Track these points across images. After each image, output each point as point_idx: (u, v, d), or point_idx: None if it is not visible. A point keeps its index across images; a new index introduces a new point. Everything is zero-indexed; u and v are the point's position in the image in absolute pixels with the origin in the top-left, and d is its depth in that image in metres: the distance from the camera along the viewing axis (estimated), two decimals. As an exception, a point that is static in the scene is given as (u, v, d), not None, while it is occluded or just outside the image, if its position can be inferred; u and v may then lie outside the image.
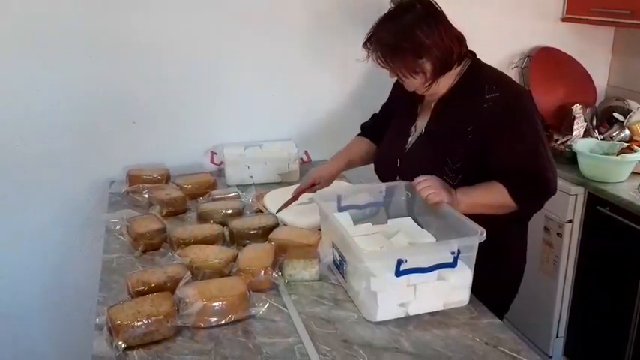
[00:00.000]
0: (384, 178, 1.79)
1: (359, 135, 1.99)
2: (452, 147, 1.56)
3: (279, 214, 1.82)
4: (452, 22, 1.56)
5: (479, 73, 1.59)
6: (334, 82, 2.47)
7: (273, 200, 1.95)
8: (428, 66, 1.52)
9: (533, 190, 1.54)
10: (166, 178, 2.14)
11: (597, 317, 2.36)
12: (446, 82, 1.59)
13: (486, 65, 1.63)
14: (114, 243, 1.72)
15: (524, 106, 1.55)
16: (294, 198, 1.84)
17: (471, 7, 2.54)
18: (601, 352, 2.37)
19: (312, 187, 1.82)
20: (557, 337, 2.53)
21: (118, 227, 1.77)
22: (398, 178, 1.70)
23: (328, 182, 1.84)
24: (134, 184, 2.09)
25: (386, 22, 1.55)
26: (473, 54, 1.63)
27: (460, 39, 1.56)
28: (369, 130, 1.97)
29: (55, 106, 2.16)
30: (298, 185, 1.86)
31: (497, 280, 1.44)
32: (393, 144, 1.75)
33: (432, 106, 1.65)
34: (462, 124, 1.55)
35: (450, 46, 1.52)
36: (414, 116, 1.72)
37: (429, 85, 1.56)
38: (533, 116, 1.56)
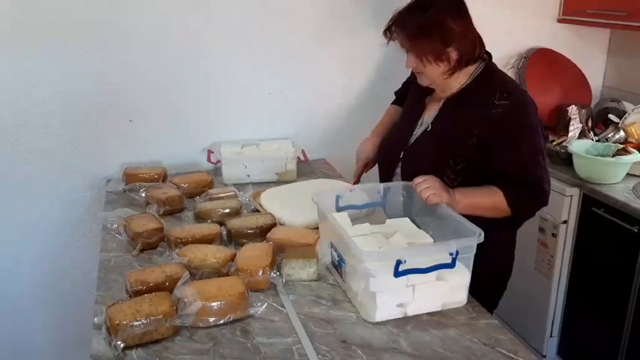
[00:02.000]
0: (384, 166, 1.81)
1: (392, 103, 2.03)
2: (456, 148, 1.58)
3: (276, 211, 1.82)
4: None
5: (492, 77, 1.61)
6: (331, 80, 2.47)
7: (269, 199, 1.95)
8: (454, 55, 1.54)
9: (529, 199, 1.57)
10: (163, 177, 2.13)
11: (591, 317, 2.38)
12: (459, 80, 1.60)
13: (499, 70, 1.65)
14: (111, 242, 1.71)
15: (531, 118, 1.56)
16: (356, 182, 1.92)
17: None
18: (595, 352, 2.39)
19: (365, 167, 1.91)
20: (551, 336, 2.55)
21: (115, 226, 1.76)
22: (399, 169, 1.72)
23: (376, 159, 1.91)
24: (131, 182, 2.08)
25: (415, 8, 1.55)
26: (489, 56, 1.65)
27: (480, 37, 1.59)
28: (400, 97, 1.99)
29: (51, 102, 2.14)
30: (355, 170, 1.94)
31: (487, 278, 1.45)
32: (398, 134, 1.77)
33: (442, 103, 1.66)
34: (468, 126, 1.56)
35: (475, 40, 1.56)
36: (421, 108, 1.73)
37: (450, 74, 1.57)
38: (538, 127, 1.58)
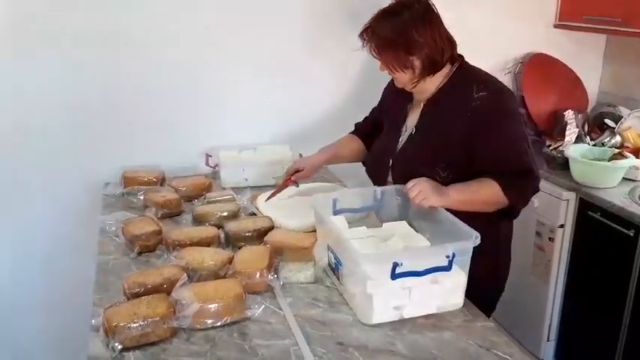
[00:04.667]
0: (375, 177, 1.82)
1: (351, 133, 2.03)
2: (441, 145, 1.60)
3: (272, 215, 1.82)
4: (446, 27, 1.60)
5: (467, 73, 1.64)
6: (330, 84, 2.48)
7: (265, 202, 1.95)
8: (417, 63, 1.57)
9: (523, 185, 1.58)
10: (161, 180, 2.14)
11: (588, 321, 2.38)
12: (435, 82, 1.63)
13: (473, 67, 1.68)
14: (109, 244, 1.72)
15: (510, 105, 1.61)
16: (281, 187, 1.94)
17: (465, 13, 2.55)
18: (592, 356, 2.39)
19: (295, 174, 1.93)
20: (548, 340, 2.55)
21: (113, 229, 1.77)
22: (390, 177, 1.73)
23: (311, 171, 1.94)
24: (129, 185, 2.08)
25: (384, 16, 1.59)
26: (461, 57, 1.68)
27: (452, 42, 1.61)
28: (361, 130, 2.01)
29: (50, 106, 2.15)
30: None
31: (485, 279, 1.46)
32: (385, 144, 1.79)
33: (422, 105, 1.68)
34: (450, 122, 1.59)
35: (442, 47, 1.57)
36: (404, 116, 1.76)
37: (416, 82, 1.61)
38: (518, 114, 1.63)
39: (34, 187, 2.22)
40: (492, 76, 1.65)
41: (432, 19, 1.57)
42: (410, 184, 1.53)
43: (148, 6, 2.17)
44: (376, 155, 1.83)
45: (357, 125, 2.04)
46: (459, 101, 1.58)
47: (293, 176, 1.93)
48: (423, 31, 1.54)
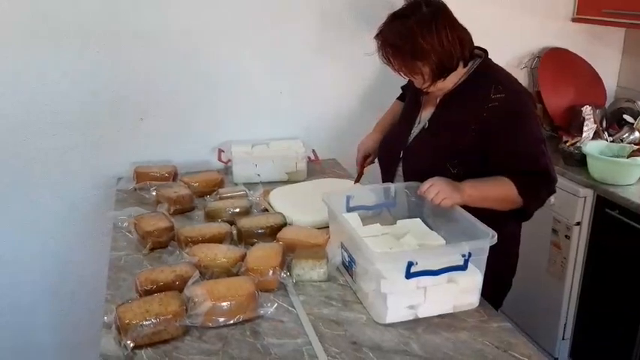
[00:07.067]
0: (385, 167, 1.81)
1: (398, 99, 2.05)
2: (454, 143, 1.59)
3: (285, 210, 1.81)
4: (460, 23, 1.56)
5: (487, 72, 1.61)
6: (342, 80, 2.46)
7: (278, 198, 1.94)
8: (426, 69, 1.54)
9: (539, 187, 1.57)
10: (174, 176, 2.14)
11: (604, 320, 2.35)
12: (452, 80, 1.60)
13: (495, 65, 1.65)
14: (121, 240, 1.72)
15: (528, 107, 1.58)
16: (360, 174, 1.93)
17: (481, 7, 2.53)
18: (607, 355, 2.36)
19: (366, 160, 1.91)
20: (563, 339, 2.52)
21: (125, 224, 1.76)
22: (400, 168, 1.73)
23: (377, 153, 1.91)
24: (141, 181, 2.08)
25: (393, 21, 1.56)
26: (485, 52, 1.64)
27: (464, 43, 1.55)
28: (405, 92, 2.01)
29: (62, 102, 2.15)
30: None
31: (494, 275, 1.43)
32: (397, 134, 1.78)
33: (438, 100, 1.66)
34: (465, 121, 1.57)
35: (451, 51, 1.52)
36: (417, 107, 1.74)
37: (428, 86, 1.59)
38: (535, 116, 1.60)
39: (47, 182, 2.22)
40: (512, 76, 1.62)
41: (439, 22, 1.50)
42: (425, 185, 1.51)
43: (161, 2, 2.15)
44: (388, 145, 1.82)
45: (403, 88, 2.04)
46: (476, 101, 1.56)
47: (365, 164, 1.92)
48: (430, 37, 1.49)
